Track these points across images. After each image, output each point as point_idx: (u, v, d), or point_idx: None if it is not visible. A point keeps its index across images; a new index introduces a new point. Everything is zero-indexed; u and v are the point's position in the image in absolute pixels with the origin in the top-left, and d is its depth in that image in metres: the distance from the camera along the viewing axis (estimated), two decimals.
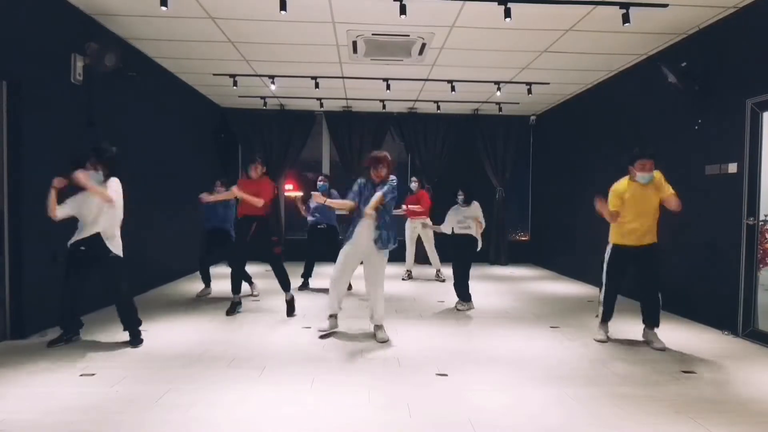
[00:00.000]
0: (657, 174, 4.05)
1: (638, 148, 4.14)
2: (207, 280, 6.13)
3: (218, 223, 5.96)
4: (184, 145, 7.72)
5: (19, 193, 4.12)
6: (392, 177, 4.22)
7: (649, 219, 4.09)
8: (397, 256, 8.66)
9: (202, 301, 5.83)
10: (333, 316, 4.46)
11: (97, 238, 3.89)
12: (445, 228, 5.61)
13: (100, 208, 3.88)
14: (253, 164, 5.17)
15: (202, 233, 6.22)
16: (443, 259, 7.33)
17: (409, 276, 7.70)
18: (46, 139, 4.38)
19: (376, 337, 4.28)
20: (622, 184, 4.15)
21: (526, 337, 4.48)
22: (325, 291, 6.56)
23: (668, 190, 4.02)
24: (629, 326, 4.76)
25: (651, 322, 4.19)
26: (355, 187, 4.28)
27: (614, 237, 4.24)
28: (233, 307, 5.17)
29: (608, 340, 4.31)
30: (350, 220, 4.37)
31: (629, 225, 4.09)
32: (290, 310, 5.14)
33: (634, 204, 4.05)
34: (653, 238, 4.14)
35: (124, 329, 4.07)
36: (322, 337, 4.33)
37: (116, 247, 4.00)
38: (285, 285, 5.17)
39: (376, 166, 4.17)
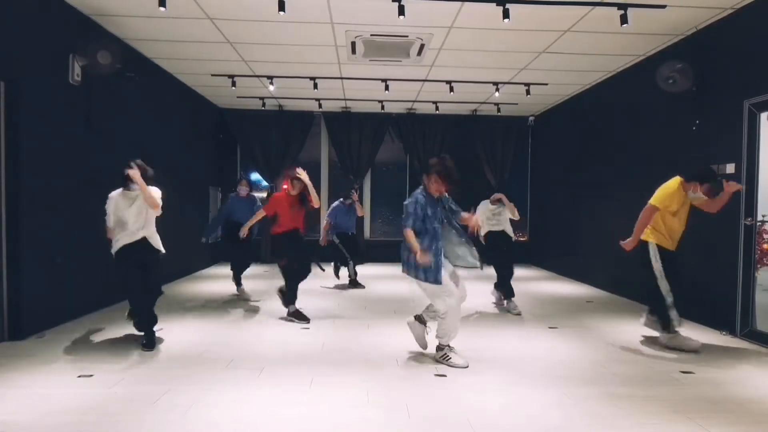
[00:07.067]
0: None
1: (714, 172, 4.20)
2: (238, 280, 6.22)
3: (243, 219, 5.84)
4: (183, 145, 7.71)
5: (17, 194, 4.11)
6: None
7: (684, 228, 4.20)
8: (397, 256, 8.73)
9: (201, 302, 5.83)
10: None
11: (143, 241, 3.96)
12: (482, 222, 5.57)
13: (139, 213, 3.92)
14: (292, 180, 5.36)
15: (223, 227, 6.25)
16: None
17: None
18: (44, 140, 4.37)
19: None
20: (680, 191, 4.10)
21: (525, 337, 4.48)
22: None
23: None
24: (628, 326, 4.78)
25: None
26: (411, 209, 3.60)
27: (662, 240, 4.15)
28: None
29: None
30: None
31: (678, 230, 4.16)
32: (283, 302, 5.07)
33: (684, 212, 4.16)
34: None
35: (146, 329, 3.98)
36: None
37: (158, 243, 4.10)
38: (292, 296, 5.01)
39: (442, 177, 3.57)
